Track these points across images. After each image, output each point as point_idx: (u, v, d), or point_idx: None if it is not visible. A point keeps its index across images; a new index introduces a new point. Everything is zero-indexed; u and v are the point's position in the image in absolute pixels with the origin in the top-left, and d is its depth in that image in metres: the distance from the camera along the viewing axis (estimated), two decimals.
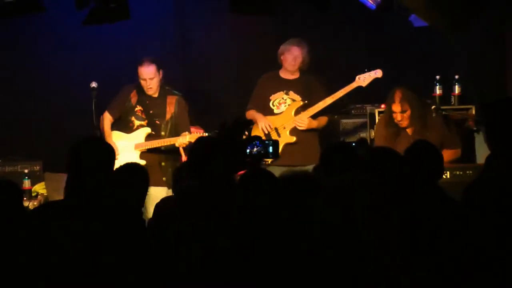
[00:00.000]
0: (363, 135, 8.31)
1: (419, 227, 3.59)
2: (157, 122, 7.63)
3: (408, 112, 7.13)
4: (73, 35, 8.64)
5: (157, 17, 8.91)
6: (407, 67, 8.77)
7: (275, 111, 7.82)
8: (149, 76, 7.50)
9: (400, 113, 7.14)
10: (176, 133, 7.56)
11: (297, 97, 7.80)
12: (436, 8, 7.12)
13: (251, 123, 7.53)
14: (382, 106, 7.80)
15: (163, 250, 3.67)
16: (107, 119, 7.64)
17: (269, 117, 7.81)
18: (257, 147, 4.54)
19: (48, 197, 7.85)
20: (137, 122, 7.59)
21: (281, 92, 7.83)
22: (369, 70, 7.64)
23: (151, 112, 7.62)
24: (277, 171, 6.60)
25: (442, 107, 7.56)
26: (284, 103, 7.81)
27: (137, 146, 7.59)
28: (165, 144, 7.54)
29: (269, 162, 7.35)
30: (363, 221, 2.78)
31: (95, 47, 8.73)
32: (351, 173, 3.85)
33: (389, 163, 4.11)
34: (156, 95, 7.60)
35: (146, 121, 7.61)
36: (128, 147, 7.57)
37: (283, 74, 7.88)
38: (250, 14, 8.25)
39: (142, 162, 7.23)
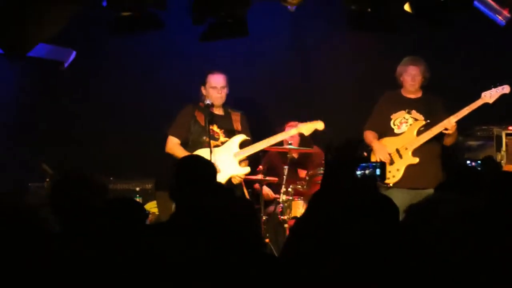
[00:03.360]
0: None
1: None
2: (228, 139, 7.48)
3: None
4: (188, 51, 8.73)
5: (273, 34, 8.88)
6: None
7: (396, 130, 7.56)
8: (221, 84, 7.40)
9: None
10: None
11: (420, 116, 7.54)
12: None
13: (360, 144, 7.34)
14: (510, 128, 7.60)
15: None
16: (174, 142, 7.43)
17: (389, 138, 7.58)
18: (368, 169, 4.45)
19: (159, 216, 7.90)
20: (212, 143, 7.32)
21: (403, 111, 7.58)
22: (496, 86, 7.29)
23: (222, 130, 7.48)
24: (398, 194, 6.94)
25: None
26: (405, 122, 7.55)
27: (236, 155, 7.40)
28: (270, 143, 7.43)
29: (391, 185, 7.22)
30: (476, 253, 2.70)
31: (209, 62, 8.57)
32: (471, 198, 3.54)
33: None
34: (221, 112, 7.47)
35: (219, 140, 7.41)
36: (225, 158, 7.33)
37: (405, 93, 7.66)
38: (368, 32, 8.15)
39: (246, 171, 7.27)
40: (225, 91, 7.45)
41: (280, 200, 7.99)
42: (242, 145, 7.47)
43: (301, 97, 8.86)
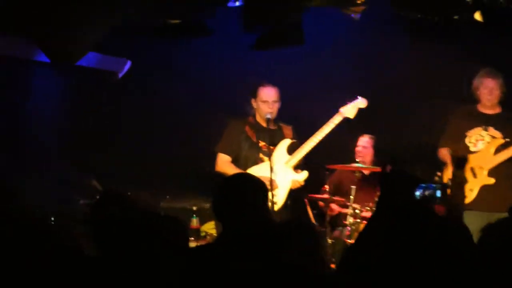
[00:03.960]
0: None
1: None
2: None
3: None
4: (238, 60, 8.55)
5: (331, 43, 8.61)
6: None
7: (472, 148, 7.28)
8: (273, 98, 7.18)
9: None
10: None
11: (498, 134, 7.24)
12: None
13: (420, 163, 7.32)
14: None
15: None
16: (224, 160, 7.23)
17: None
18: (428, 190, 4.41)
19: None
20: (266, 159, 7.14)
21: (479, 128, 7.30)
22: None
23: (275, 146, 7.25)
24: (470, 217, 6.81)
25: None
26: (482, 140, 7.26)
27: (288, 162, 7.20)
28: (318, 139, 7.17)
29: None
30: None
31: (260, 74, 8.16)
32: None
33: None
34: (272, 126, 7.25)
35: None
36: (278, 171, 7.09)
37: (482, 108, 7.37)
38: (432, 42, 7.99)
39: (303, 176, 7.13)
40: (276, 106, 7.23)
41: (347, 222, 7.70)
42: (290, 150, 7.27)
43: (362, 112, 8.14)
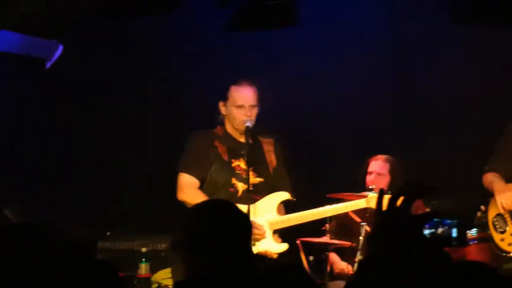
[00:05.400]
0: None
1: None
2: (262, 180, 6.44)
3: None
4: (209, 47, 7.90)
5: (356, 26, 7.88)
6: None
7: None
8: (251, 102, 6.27)
9: None
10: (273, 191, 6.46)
11: None
12: None
13: (434, 190, 6.25)
14: None
15: None
16: (191, 185, 6.34)
17: None
18: (442, 227, 4.46)
19: None
20: (240, 185, 6.29)
21: None
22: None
23: (252, 167, 6.42)
24: None
25: None
26: None
27: (272, 223, 6.31)
28: (325, 215, 6.47)
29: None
30: None
31: (242, 66, 7.58)
32: None
33: None
34: (249, 140, 6.33)
35: (249, 181, 6.29)
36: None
37: None
38: (483, 25, 7.29)
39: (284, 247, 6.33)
40: (255, 112, 6.30)
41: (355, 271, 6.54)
42: (281, 208, 6.43)
43: (391, 115, 8.02)
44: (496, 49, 7.86)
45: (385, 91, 8.13)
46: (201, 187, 6.35)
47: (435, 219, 4.56)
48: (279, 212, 6.40)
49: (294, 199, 6.47)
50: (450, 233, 4.69)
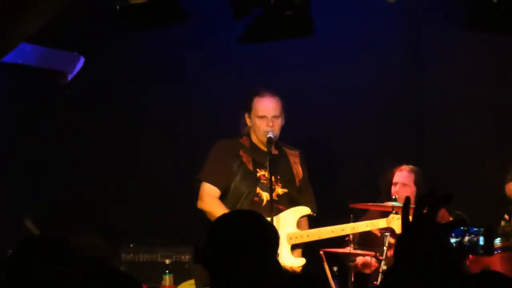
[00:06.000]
0: None
1: None
2: (287, 191, 6.48)
3: None
4: (227, 58, 7.87)
5: (366, 34, 7.86)
6: None
7: None
8: (275, 112, 6.29)
9: None
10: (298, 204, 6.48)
11: None
12: None
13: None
14: None
15: None
16: (212, 194, 6.33)
17: None
18: (469, 236, 4.44)
19: None
20: (264, 195, 6.31)
21: None
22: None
23: (278, 177, 6.41)
24: None
25: None
26: None
27: (290, 237, 6.33)
28: (344, 233, 6.43)
29: None
30: None
31: (264, 76, 7.62)
32: None
33: None
34: (274, 150, 6.37)
35: (275, 192, 6.34)
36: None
37: None
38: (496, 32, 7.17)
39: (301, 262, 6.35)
40: (279, 123, 6.31)
41: (379, 281, 6.87)
42: (302, 222, 6.47)
43: (409, 124, 7.92)
44: (510, 56, 7.81)
45: (400, 100, 8.09)
46: (225, 196, 6.35)
47: (461, 228, 4.48)
48: (299, 226, 6.38)
49: (315, 214, 6.50)
50: (477, 241, 4.56)
